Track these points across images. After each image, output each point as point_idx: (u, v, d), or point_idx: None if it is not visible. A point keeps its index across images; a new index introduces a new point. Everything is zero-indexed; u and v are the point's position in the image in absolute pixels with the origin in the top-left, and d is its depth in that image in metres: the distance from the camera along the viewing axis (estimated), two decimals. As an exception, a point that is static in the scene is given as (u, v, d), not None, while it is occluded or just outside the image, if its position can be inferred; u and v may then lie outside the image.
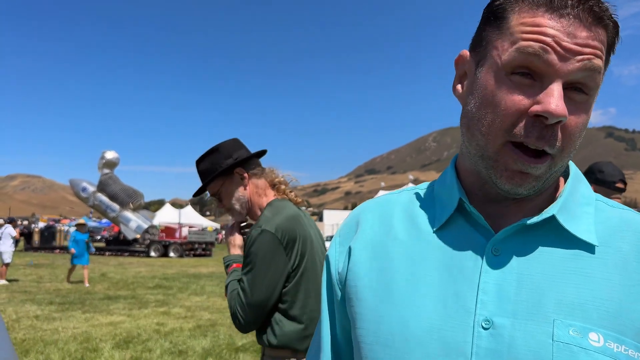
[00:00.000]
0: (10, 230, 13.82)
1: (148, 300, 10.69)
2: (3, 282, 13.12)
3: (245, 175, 2.04)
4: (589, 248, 0.66)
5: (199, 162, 2.07)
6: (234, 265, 2.00)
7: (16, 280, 13.69)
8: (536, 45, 0.61)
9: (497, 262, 0.66)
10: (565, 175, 0.76)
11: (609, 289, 0.62)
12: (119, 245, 29.09)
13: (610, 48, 0.65)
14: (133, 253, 26.86)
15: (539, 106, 0.61)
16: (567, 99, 0.62)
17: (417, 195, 0.82)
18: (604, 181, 2.86)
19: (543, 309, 0.62)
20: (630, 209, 0.73)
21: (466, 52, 0.73)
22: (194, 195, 2.15)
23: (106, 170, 27.74)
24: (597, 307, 0.61)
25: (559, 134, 0.62)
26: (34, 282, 13.66)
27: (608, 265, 0.64)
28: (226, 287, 1.95)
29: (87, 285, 13.12)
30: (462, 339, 0.64)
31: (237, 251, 2.08)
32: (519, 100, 0.62)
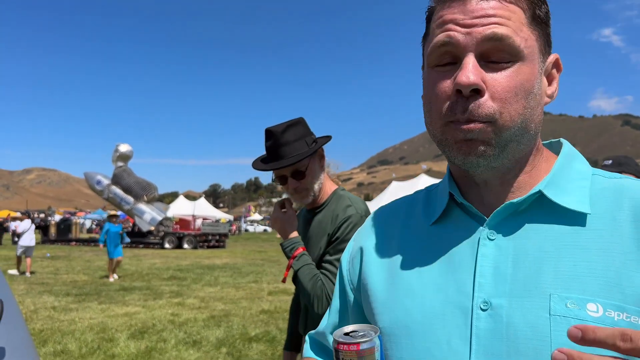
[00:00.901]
0: (33, 226, 14.04)
1: (163, 291, 10.81)
2: (16, 272, 13.33)
3: (323, 152, 1.93)
4: (583, 220, 0.66)
5: (283, 132, 1.83)
6: (300, 248, 1.83)
7: (33, 273, 13.91)
8: (442, 35, 0.66)
9: (492, 245, 0.68)
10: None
11: (606, 259, 0.62)
12: (134, 237, 29.39)
13: (533, 14, 0.67)
14: (147, 245, 27.18)
15: (454, 82, 0.65)
16: (488, 67, 0.65)
17: (424, 195, 0.86)
18: None
19: (540, 285, 0.63)
20: (629, 176, 0.72)
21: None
22: (272, 168, 1.87)
23: (120, 163, 27.99)
24: (595, 278, 0.62)
25: (486, 101, 0.64)
26: (51, 274, 13.87)
27: (604, 236, 0.64)
28: (296, 271, 1.79)
29: (115, 278, 12.61)
30: (462, 322, 0.66)
31: (294, 233, 1.89)
32: (443, 85, 0.67)
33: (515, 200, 0.68)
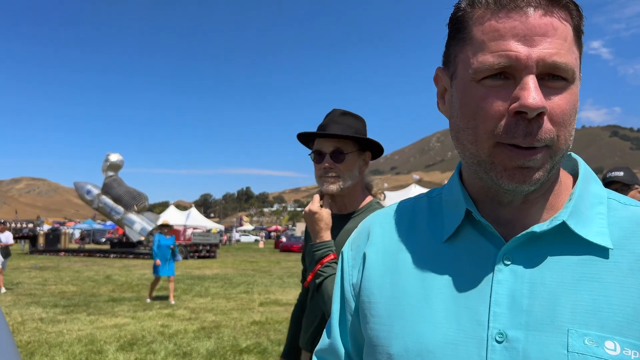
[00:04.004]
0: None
1: (152, 302, 10.71)
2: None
3: (369, 160, 1.85)
4: (602, 252, 0.64)
5: (343, 114, 1.81)
6: (332, 255, 1.68)
7: (21, 283, 13.73)
8: (502, 55, 0.61)
9: (508, 271, 0.65)
10: (575, 173, 0.74)
11: (624, 294, 0.61)
12: (124, 247, 29.20)
13: (577, 28, 0.64)
14: (137, 255, 26.92)
15: (516, 103, 0.60)
16: (545, 88, 0.61)
17: (426, 203, 0.81)
18: None
19: (557, 319, 0.61)
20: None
21: (440, 69, 0.74)
22: (314, 133, 1.78)
23: (110, 173, 27.84)
24: (613, 314, 0.60)
25: (547, 124, 0.61)
26: (39, 284, 13.70)
27: (622, 269, 0.62)
28: (324, 279, 1.63)
29: (172, 302, 10.66)
30: (476, 354, 0.63)
31: (328, 235, 1.71)
32: (496, 102, 0.62)
33: (537, 230, 0.65)
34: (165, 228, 11.35)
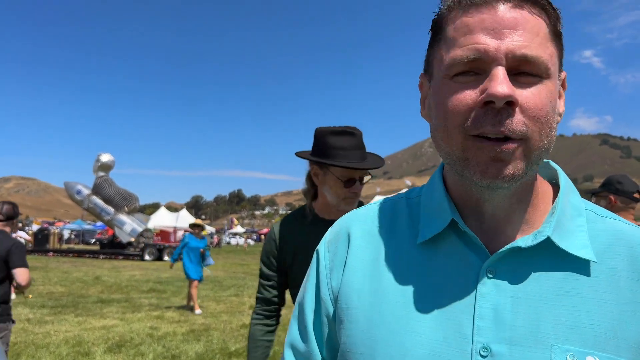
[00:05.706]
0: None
1: (142, 304, 10.63)
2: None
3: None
4: (584, 266, 0.65)
5: (359, 137, 1.93)
6: None
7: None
8: (471, 49, 0.61)
9: (492, 284, 0.65)
10: (553, 182, 0.74)
11: (603, 309, 0.62)
12: (113, 248, 28.97)
13: (554, 27, 0.64)
14: (127, 256, 26.74)
15: (484, 94, 0.60)
16: (517, 83, 0.61)
17: (405, 205, 0.79)
18: (624, 191, 3.01)
19: (540, 334, 0.61)
20: (621, 218, 0.71)
21: (422, 75, 0.74)
22: (367, 167, 1.86)
23: (101, 173, 27.68)
24: (593, 330, 0.61)
25: (518, 116, 0.60)
26: (26, 285, 13.54)
27: (601, 284, 0.64)
28: None
29: (198, 312, 9.55)
30: None
31: None
32: (465, 96, 0.61)
33: (522, 245, 0.65)
34: (197, 228, 10.21)
